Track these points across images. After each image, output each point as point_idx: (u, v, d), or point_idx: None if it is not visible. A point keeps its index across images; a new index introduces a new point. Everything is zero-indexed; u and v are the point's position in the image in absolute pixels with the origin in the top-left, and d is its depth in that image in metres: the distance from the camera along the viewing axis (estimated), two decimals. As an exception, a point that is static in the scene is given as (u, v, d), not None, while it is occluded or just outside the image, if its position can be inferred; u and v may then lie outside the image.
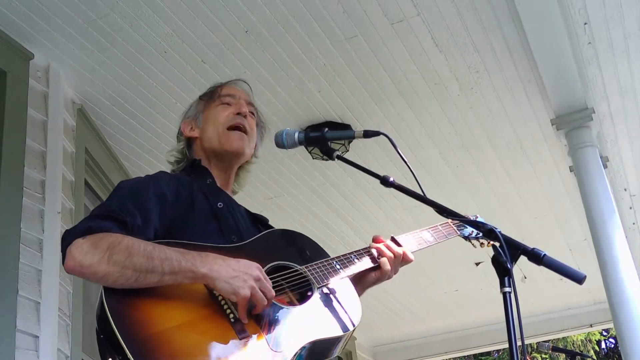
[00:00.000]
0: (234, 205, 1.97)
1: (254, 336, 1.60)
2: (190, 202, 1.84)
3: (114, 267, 1.54)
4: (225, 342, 1.55)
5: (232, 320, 1.60)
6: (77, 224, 1.65)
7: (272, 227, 2.03)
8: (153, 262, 1.56)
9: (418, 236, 2.10)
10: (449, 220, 2.22)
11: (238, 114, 2.04)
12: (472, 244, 2.25)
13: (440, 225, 2.19)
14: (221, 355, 1.52)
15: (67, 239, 1.61)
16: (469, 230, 2.23)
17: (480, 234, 2.22)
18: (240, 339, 1.57)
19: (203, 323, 1.58)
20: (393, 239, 2.03)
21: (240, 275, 1.60)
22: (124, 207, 1.69)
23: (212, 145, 2.01)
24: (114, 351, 1.47)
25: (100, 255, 1.55)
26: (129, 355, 1.43)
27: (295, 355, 1.62)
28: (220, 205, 1.90)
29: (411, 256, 2.01)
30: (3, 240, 2.93)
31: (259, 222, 2.06)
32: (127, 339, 1.45)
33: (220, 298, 1.62)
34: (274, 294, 1.65)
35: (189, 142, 2.08)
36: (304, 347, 1.65)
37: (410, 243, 2.05)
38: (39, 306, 2.99)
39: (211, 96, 2.09)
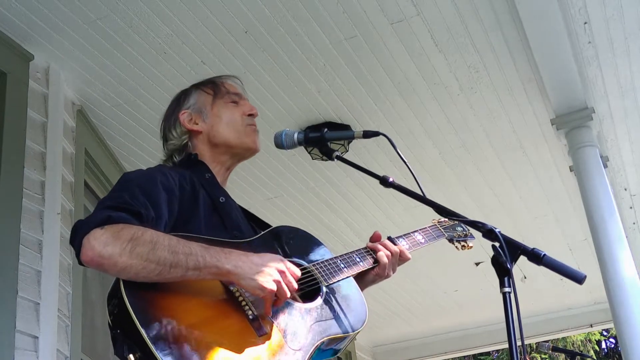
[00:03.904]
0: (232, 201, 1.96)
1: (272, 334, 1.60)
2: (193, 196, 1.83)
3: (137, 259, 1.49)
4: (245, 339, 1.55)
5: (250, 317, 1.59)
6: (92, 215, 1.59)
7: (263, 223, 2.04)
8: (177, 257, 1.53)
9: (411, 237, 2.15)
10: (436, 222, 2.30)
11: (251, 114, 2.04)
12: (455, 247, 2.32)
13: (429, 227, 2.26)
14: (242, 352, 1.52)
15: (82, 229, 1.54)
16: (453, 233, 2.30)
17: (463, 237, 2.31)
18: (259, 336, 1.57)
19: (222, 320, 1.57)
20: (390, 239, 2.07)
21: (265, 270, 1.59)
22: (135, 199, 1.64)
23: (228, 141, 1.99)
24: (135, 345, 1.44)
25: (122, 247, 1.50)
26: (154, 351, 1.41)
27: (311, 353, 1.63)
28: (222, 199, 1.90)
29: (408, 254, 2.06)
30: (3, 241, 2.93)
31: (251, 218, 2.05)
32: (150, 334, 1.43)
33: (237, 294, 1.61)
34: (296, 286, 1.65)
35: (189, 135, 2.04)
36: (320, 344, 1.67)
37: (404, 243, 2.10)
38: (39, 307, 2.98)
39: (217, 92, 2.06)
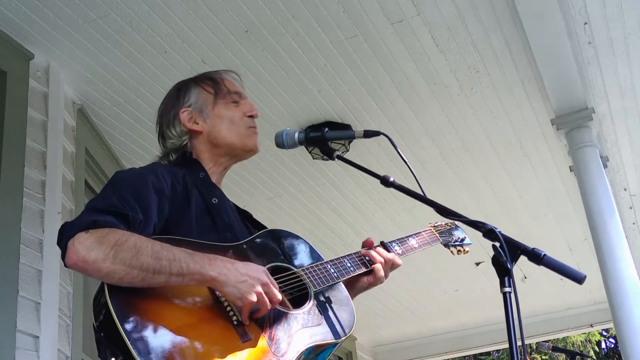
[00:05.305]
0: (226, 201, 1.94)
1: (256, 340, 1.59)
2: (185, 196, 1.81)
3: (120, 265, 1.50)
4: (228, 345, 1.54)
5: (234, 323, 1.59)
6: (78, 217, 1.60)
7: (257, 222, 2.03)
8: (161, 263, 1.53)
9: (405, 242, 2.15)
10: (431, 227, 2.30)
11: (251, 116, 2.03)
12: (451, 252, 2.32)
13: (424, 231, 2.26)
14: (225, 358, 1.51)
15: (68, 231, 1.55)
16: (449, 237, 2.30)
17: (459, 241, 2.31)
18: (243, 342, 1.56)
19: (206, 325, 1.57)
20: (382, 244, 2.06)
21: (248, 280, 1.59)
22: (125, 201, 1.64)
23: (230, 142, 1.97)
24: (117, 350, 1.45)
25: (106, 252, 1.50)
26: (135, 356, 1.41)
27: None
28: (215, 201, 1.88)
29: (399, 261, 2.05)
30: (3, 240, 2.92)
31: (246, 217, 2.04)
32: (132, 339, 1.43)
33: (223, 300, 1.61)
34: (280, 298, 1.65)
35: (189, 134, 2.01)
36: (305, 352, 1.66)
37: (397, 248, 2.10)
38: (39, 306, 2.98)
39: (218, 91, 2.03)
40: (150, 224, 1.67)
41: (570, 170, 4.70)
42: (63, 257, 1.55)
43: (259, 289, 1.59)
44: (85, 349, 3.42)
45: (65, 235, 1.55)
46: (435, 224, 2.34)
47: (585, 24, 3.73)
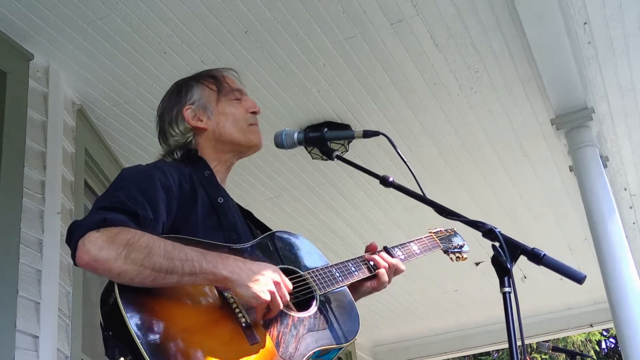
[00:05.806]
0: (230, 201, 1.94)
1: (264, 342, 1.59)
2: (192, 195, 1.80)
3: (132, 265, 1.48)
4: (236, 347, 1.54)
5: (243, 325, 1.58)
6: (88, 216, 1.57)
7: (259, 222, 2.03)
8: (173, 263, 1.51)
9: (407, 247, 2.17)
10: (432, 233, 2.32)
11: (254, 112, 2.03)
12: (450, 258, 2.35)
13: (424, 237, 2.28)
14: None
15: (79, 231, 1.52)
16: (448, 244, 2.33)
17: (458, 248, 2.34)
18: (251, 345, 1.55)
19: (215, 327, 1.56)
20: (386, 249, 2.08)
21: (261, 279, 1.58)
22: (133, 199, 1.62)
23: (235, 138, 1.97)
24: (126, 348, 1.44)
25: (118, 252, 1.48)
26: (145, 356, 1.40)
27: None
28: (220, 200, 1.87)
29: (402, 266, 2.07)
30: (3, 240, 2.92)
31: (248, 217, 2.03)
32: (142, 338, 1.42)
33: (231, 301, 1.60)
34: (288, 299, 1.65)
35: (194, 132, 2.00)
36: (312, 355, 1.66)
37: (400, 254, 2.12)
38: (39, 306, 2.98)
39: (221, 88, 2.03)
40: (159, 223, 1.65)
41: (570, 170, 4.70)
42: (73, 256, 1.53)
43: (272, 287, 1.59)
44: (84, 349, 3.42)
45: (75, 234, 1.52)
46: (435, 230, 2.36)
47: (585, 23, 3.73)
